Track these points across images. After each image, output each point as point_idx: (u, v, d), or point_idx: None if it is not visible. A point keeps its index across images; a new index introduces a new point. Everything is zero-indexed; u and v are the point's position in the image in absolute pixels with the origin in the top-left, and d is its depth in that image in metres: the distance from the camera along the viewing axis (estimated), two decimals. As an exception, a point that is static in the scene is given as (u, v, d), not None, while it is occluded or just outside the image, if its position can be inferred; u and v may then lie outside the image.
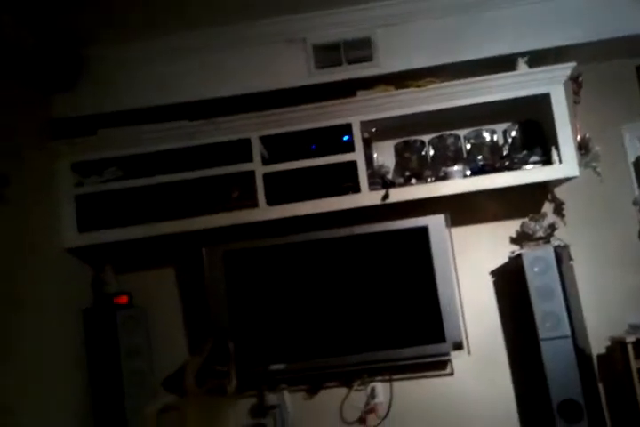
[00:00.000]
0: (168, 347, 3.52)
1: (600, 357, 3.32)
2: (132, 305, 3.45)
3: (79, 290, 3.45)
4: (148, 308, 3.54)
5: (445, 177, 3.24)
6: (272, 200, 3.30)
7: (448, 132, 3.42)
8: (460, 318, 3.28)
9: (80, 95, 3.38)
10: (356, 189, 3.25)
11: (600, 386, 3.27)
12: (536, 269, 3.13)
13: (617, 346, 3.15)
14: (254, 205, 3.29)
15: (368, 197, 3.25)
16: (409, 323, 3.29)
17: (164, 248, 3.63)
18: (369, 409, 3.44)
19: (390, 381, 3.44)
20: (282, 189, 3.32)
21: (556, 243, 3.23)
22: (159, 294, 3.62)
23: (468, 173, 3.25)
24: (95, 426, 3.28)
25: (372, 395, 3.45)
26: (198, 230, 3.34)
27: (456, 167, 3.23)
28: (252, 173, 3.31)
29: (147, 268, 3.66)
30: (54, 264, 3.23)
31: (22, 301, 2.88)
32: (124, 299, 3.41)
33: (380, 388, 3.45)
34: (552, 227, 3.26)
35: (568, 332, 3.08)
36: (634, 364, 2.98)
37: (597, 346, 3.30)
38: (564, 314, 3.09)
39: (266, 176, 3.31)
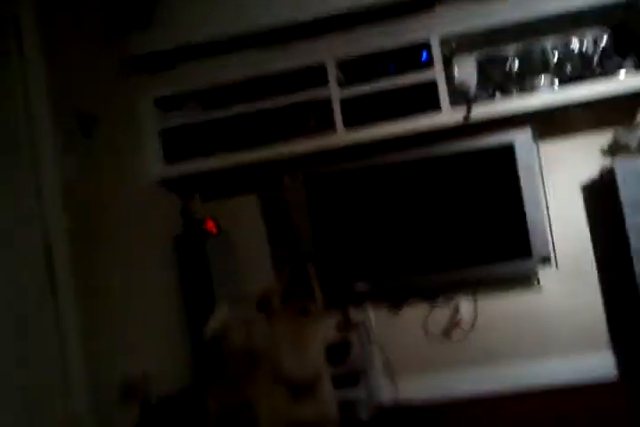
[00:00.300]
0: (255, 271, 3.65)
1: (695, 268, 3.23)
2: (221, 232, 3.54)
3: (170, 217, 3.57)
4: (234, 234, 3.65)
5: (532, 90, 3.11)
6: (350, 124, 3.26)
7: (533, 42, 3.24)
8: (548, 233, 3.23)
9: (156, 31, 3.33)
10: (437, 108, 3.16)
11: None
12: (629, 182, 3.02)
13: None
14: (332, 130, 3.27)
15: (450, 116, 3.16)
16: (495, 239, 3.26)
17: (247, 176, 3.67)
18: (453, 324, 3.51)
19: (475, 296, 3.48)
20: (360, 113, 3.26)
21: (651, 153, 3.11)
22: (244, 220, 3.71)
23: (557, 84, 3.11)
24: (192, 350, 3.44)
25: (457, 311, 3.50)
26: (279, 159, 3.36)
27: (543, 79, 3.10)
28: (328, 99, 3.26)
29: (231, 195, 3.74)
30: (145, 195, 3.34)
31: (119, 228, 2.99)
32: (212, 226, 3.51)
33: (465, 304, 3.50)
34: (647, 136, 3.13)
35: (661, 244, 3.02)
36: None
37: (693, 257, 3.22)
38: (658, 226, 3.02)
39: (343, 101, 3.25)
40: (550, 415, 2.95)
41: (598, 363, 3.35)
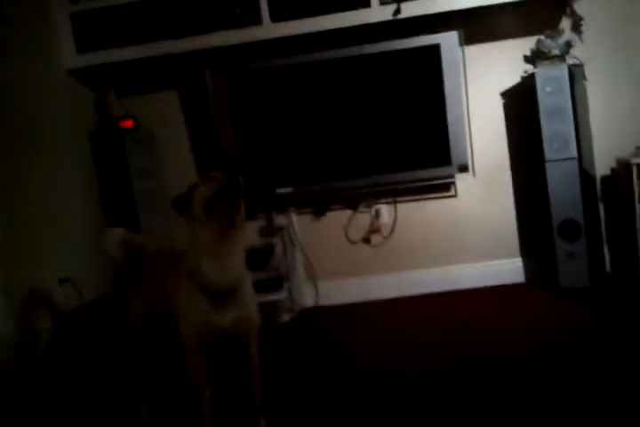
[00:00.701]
0: (176, 168, 3.58)
1: (604, 178, 3.35)
2: (138, 128, 3.42)
3: (84, 113, 3.41)
4: (154, 131, 3.54)
5: (462, -11, 3.04)
6: (277, 17, 3.13)
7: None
8: (468, 140, 3.26)
9: None
10: (366, 4, 3.07)
11: (601, 207, 3.36)
12: (548, 89, 3.06)
13: (622, 167, 3.14)
14: (258, 22, 3.14)
15: (379, 12, 3.08)
16: (416, 146, 3.28)
17: (167, 70, 3.54)
18: (373, 229, 3.56)
19: (394, 203, 3.52)
20: (287, 4, 3.13)
21: (571, 61, 3.13)
22: (164, 117, 3.59)
23: (486, -17, 3.04)
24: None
25: (377, 216, 3.55)
26: (201, 51, 3.23)
27: (473, -22, 3.02)
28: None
29: (150, 91, 3.58)
30: (56, 87, 3.16)
31: (29, 123, 2.85)
32: (129, 122, 3.38)
33: (385, 210, 3.55)
34: (568, 44, 3.13)
35: (575, 154, 3.09)
36: (637, 185, 2.97)
37: (602, 167, 3.32)
38: (573, 135, 3.08)
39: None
40: (458, 313, 3.11)
41: (509, 268, 3.50)
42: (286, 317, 3.39)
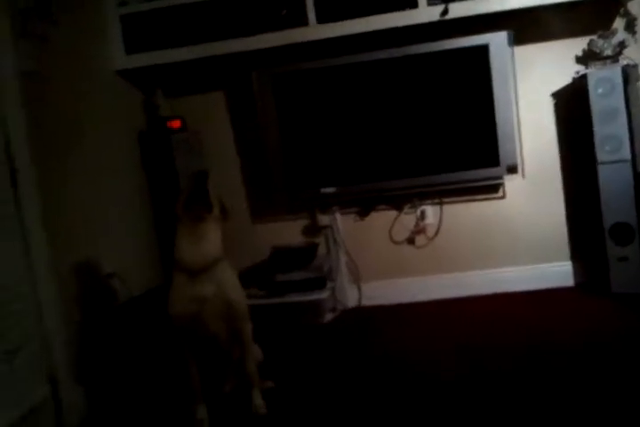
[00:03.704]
0: (221, 168, 3.59)
1: (658, 181, 3.25)
2: (186, 129, 3.46)
3: (132, 113, 3.46)
4: (201, 131, 3.57)
5: (511, -11, 2.99)
6: (323, 18, 3.13)
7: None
8: (517, 141, 3.20)
9: None
10: (413, 4, 3.05)
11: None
12: (600, 91, 2.99)
13: (676, 172, 3.06)
14: (304, 23, 3.14)
15: (426, 13, 3.05)
16: (464, 146, 3.24)
17: (214, 72, 3.57)
18: (418, 230, 3.53)
19: (441, 204, 3.49)
20: (333, 5, 3.13)
21: (625, 62, 3.05)
22: (210, 117, 3.62)
23: (536, -16, 2.98)
24: (158, 245, 3.46)
25: (422, 217, 3.52)
26: (248, 52, 3.24)
27: (523, -22, 2.96)
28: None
29: (197, 92, 3.63)
30: (106, 87, 3.20)
31: (80, 121, 2.88)
32: (177, 123, 3.42)
33: (430, 211, 3.51)
34: (622, 45, 3.04)
35: (628, 156, 3.02)
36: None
37: (656, 170, 3.22)
38: (626, 137, 3.00)
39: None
40: (504, 316, 3.06)
41: (558, 271, 3.43)
42: (329, 316, 3.40)
